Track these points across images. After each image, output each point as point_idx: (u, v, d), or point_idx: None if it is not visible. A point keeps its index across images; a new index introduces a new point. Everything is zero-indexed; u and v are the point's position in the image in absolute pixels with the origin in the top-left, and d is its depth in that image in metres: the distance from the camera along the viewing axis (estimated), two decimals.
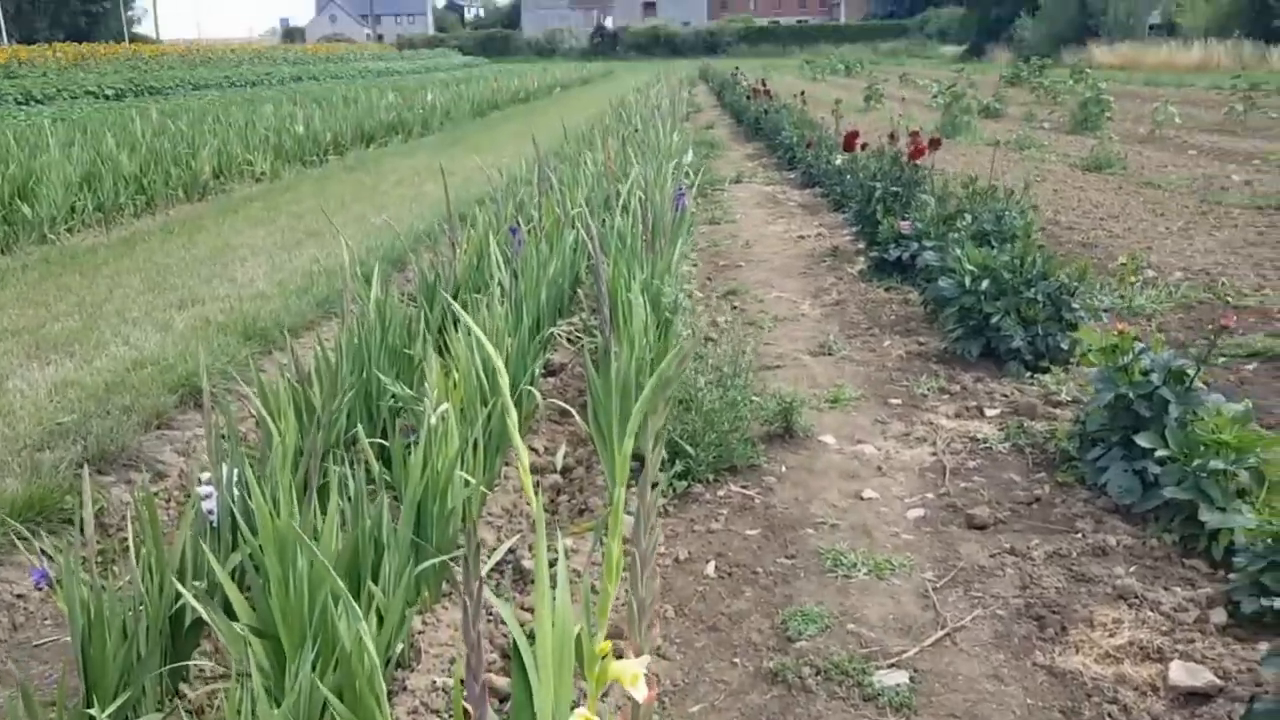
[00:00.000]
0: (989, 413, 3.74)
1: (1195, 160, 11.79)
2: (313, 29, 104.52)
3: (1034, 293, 4.09)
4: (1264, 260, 6.19)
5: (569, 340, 4.93)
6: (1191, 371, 2.76)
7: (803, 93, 15.35)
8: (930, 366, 4.35)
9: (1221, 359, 4.42)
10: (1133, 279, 5.81)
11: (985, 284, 4.17)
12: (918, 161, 6.69)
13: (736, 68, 28.86)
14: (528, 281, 4.42)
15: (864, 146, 7.34)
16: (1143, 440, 2.67)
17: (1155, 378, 2.76)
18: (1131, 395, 2.76)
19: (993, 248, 4.86)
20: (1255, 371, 4.16)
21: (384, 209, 10.00)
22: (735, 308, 5.76)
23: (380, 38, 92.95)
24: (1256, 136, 14.11)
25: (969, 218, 4.95)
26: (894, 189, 6.68)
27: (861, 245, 7.10)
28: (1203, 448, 2.57)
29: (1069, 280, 4.13)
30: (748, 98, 18.51)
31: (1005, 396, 3.87)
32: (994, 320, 4.11)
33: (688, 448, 3.17)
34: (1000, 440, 3.47)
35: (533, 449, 3.62)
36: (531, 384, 3.92)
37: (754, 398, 3.90)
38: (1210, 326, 4.82)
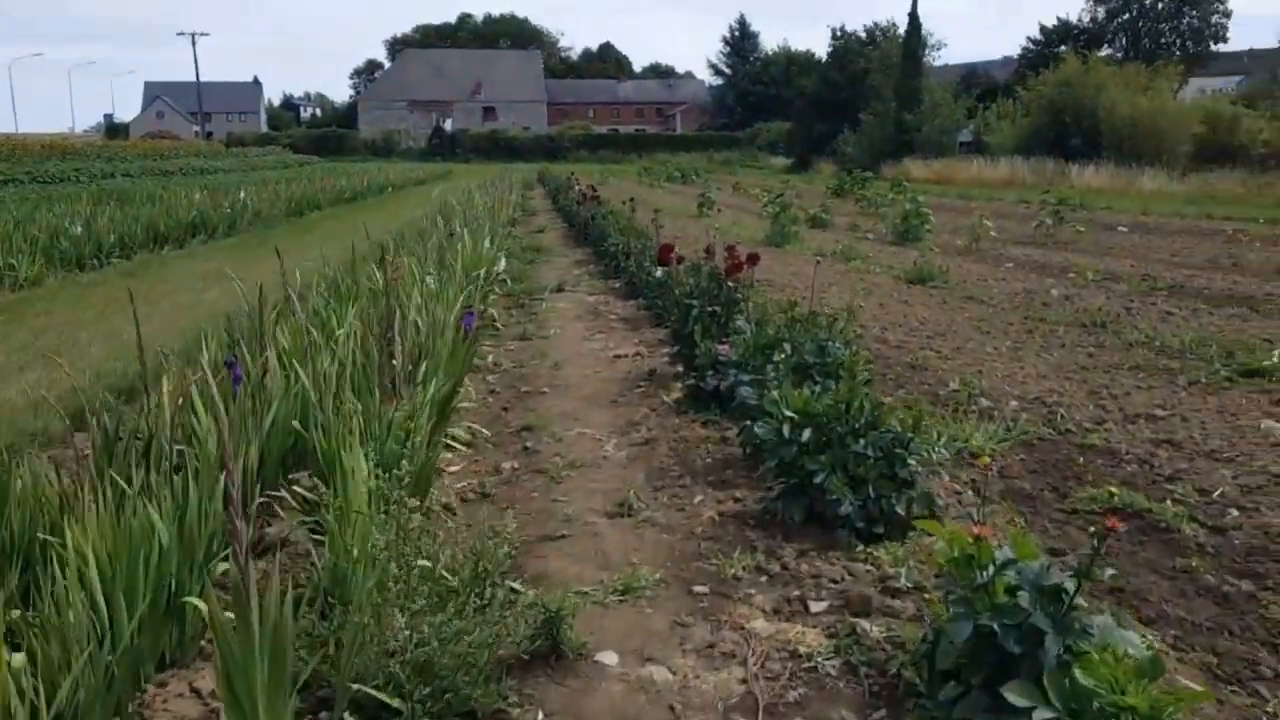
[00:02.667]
0: (815, 608, 2.96)
1: (1013, 274, 11.85)
2: (138, 125, 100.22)
3: (863, 445, 3.40)
4: (1099, 387, 5.79)
5: (303, 501, 3.92)
6: (1071, 587, 2.05)
7: (632, 199, 14.95)
8: (746, 534, 3.57)
9: (1074, 513, 3.83)
10: (968, 411, 5.28)
11: (807, 434, 3.45)
12: (737, 277, 6.08)
13: (572, 172, 28.70)
14: (235, 434, 3.44)
15: (680, 260, 6.71)
16: (1014, 696, 1.92)
17: (1025, 600, 2.04)
18: (996, 628, 2.03)
19: (815, 383, 4.19)
20: (1116, 534, 3.55)
21: (149, 319, 8.76)
22: (527, 449, 4.88)
23: (210, 135, 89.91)
24: (1066, 250, 14.50)
25: (789, 348, 4.28)
26: (712, 308, 6.03)
27: (679, 368, 6.40)
28: (1097, 706, 1.84)
29: (902, 430, 3.46)
30: (578, 203, 18.06)
31: (834, 582, 3.10)
32: (818, 479, 3.38)
33: (393, 703, 2.23)
34: (829, 654, 2.68)
35: (195, 691, 2.58)
36: (219, 580, 2.91)
37: (514, 588, 3.01)
38: (1061, 474, 4.26)
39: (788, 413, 3.53)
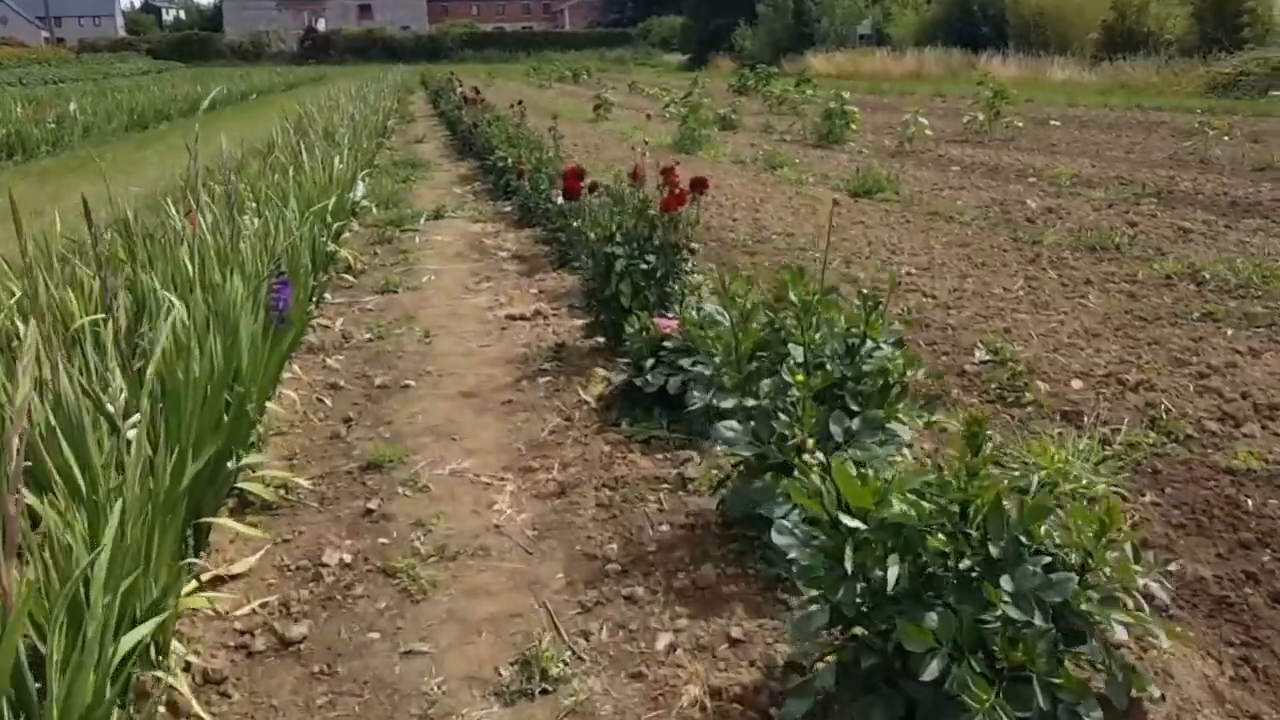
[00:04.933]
0: None
1: (966, 180, 10.25)
2: None
3: (1013, 594, 1.69)
4: (1183, 351, 4.20)
5: None
6: None
7: (520, 102, 12.78)
8: None
9: None
10: (1021, 402, 3.64)
11: (894, 573, 1.73)
12: (677, 212, 4.26)
13: (452, 73, 25.99)
14: None
15: (593, 188, 4.82)
16: None
17: None
18: None
19: (849, 415, 2.45)
20: None
21: None
22: (371, 515, 3.04)
23: (61, 41, 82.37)
24: (1008, 149, 13.03)
25: (799, 353, 2.52)
26: (644, 260, 4.21)
27: (599, 339, 4.60)
28: None
29: (1077, 547, 1.76)
30: (458, 108, 15.79)
31: None
32: (931, 672, 1.67)
33: None
34: None
35: None
36: None
37: None
38: (1234, 531, 2.63)
39: (848, 519, 1.80)
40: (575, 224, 5.73)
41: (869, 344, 2.53)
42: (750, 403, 2.52)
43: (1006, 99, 15.35)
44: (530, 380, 4.25)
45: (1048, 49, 31.76)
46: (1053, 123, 16.78)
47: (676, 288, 4.06)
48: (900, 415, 2.49)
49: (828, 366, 2.50)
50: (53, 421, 2.37)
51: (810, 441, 2.31)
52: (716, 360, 2.63)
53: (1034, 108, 19.87)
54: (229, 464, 2.96)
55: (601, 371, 4.16)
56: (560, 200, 6.44)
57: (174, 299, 3.09)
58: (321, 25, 77.80)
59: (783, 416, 2.40)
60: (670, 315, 3.77)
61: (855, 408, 2.45)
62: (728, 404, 2.56)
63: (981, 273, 5.86)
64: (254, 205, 5.50)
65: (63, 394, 2.37)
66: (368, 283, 6.33)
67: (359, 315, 5.57)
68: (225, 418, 2.91)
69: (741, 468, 2.60)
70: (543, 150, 8.74)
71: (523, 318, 5.32)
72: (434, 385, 4.29)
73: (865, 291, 2.52)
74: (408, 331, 5.14)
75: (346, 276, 6.36)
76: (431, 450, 3.54)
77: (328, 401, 4.14)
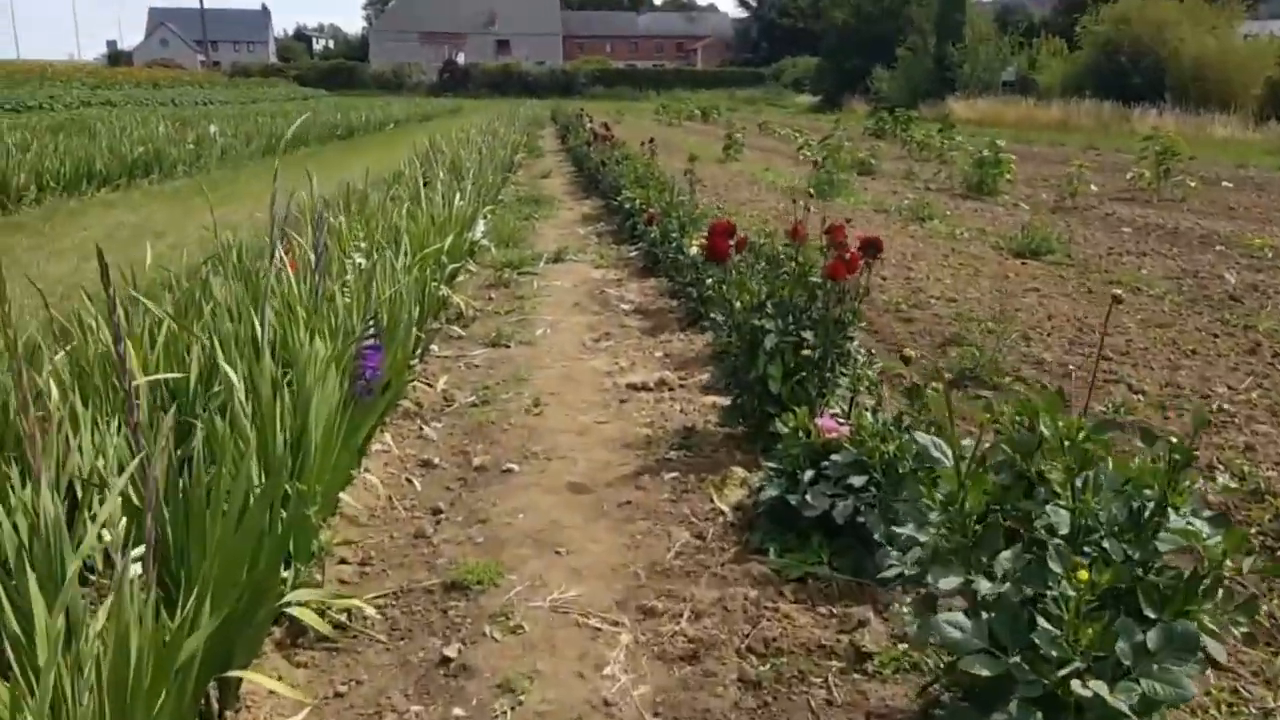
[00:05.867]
0: None
1: (1140, 242, 9.17)
2: (141, 53, 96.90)
3: None
4: None
5: None
6: None
7: (651, 140, 12.20)
8: None
9: None
10: None
11: None
12: (844, 281, 3.50)
13: (582, 109, 25.80)
14: None
15: (740, 245, 4.07)
16: None
17: None
18: None
19: (1141, 622, 1.64)
20: None
21: None
22: (448, 667, 2.35)
23: (216, 65, 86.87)
24: (1184, 211, 11.81)
25: (1062, 517, 1.72)
26: (799, 335, 3.46)
27: (739, 428, 3.85)
28: None
29: None
30: (587, 144, 15.37)
31: None
32: None
33: None
34: None
35: None
36: None
37: None
38: None
39: None
40: (710, 280, 5.06)
41: (1171, 515, 1.72)
42: (985, 586, 1.74)
43: (1177, 155, 14.07)
44: (652, 474, 3.53)
45: (1207, 104, 29.75)
46: (1225, 184, 15.37)
47: (844, 380, 3.29)
48: (1210, 621, 1.68)
49: (1105, 545, 1.71)
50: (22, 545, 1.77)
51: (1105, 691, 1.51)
52: (933, 517, 1.85)
53: (1199, 165, 18.31)
54: (277, 581, 2.33)
55: (740, 472, 3.42)
56: (694, 250, 5.77)
57: (234, 375, 2.50)
58: (461, 59, 79.88)
59: (1042, 621, 1.61)
60: (836, 414, 3.01)
61: (1149, 611, 1.65)
62: (949, 582, 1.78)
63: (1194, 363, 4.89)
64: (362, 245, 4.99)
65: (43, 513, 1.76)
66: (478, 332, 5.75)
67: (465, 371, 4.98)
68: (281, 518, 2.29)
69: (964, 673, 1.82)
70: (672, 192, 8.11)
71: (645, 387, 4.62)
72: (540, 471, 3.62)
73: (1173, 439, 1.71)
74: (515, 397, 4.50)
75: (454, 327, 5.79)
76: (530, 566, 2.85)
77: (417, 485, 3.51)
